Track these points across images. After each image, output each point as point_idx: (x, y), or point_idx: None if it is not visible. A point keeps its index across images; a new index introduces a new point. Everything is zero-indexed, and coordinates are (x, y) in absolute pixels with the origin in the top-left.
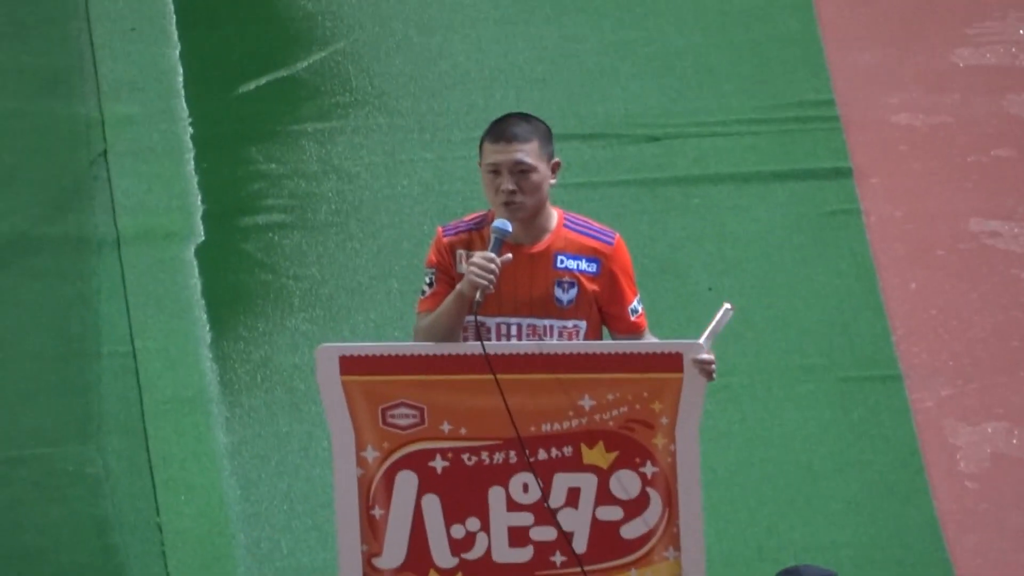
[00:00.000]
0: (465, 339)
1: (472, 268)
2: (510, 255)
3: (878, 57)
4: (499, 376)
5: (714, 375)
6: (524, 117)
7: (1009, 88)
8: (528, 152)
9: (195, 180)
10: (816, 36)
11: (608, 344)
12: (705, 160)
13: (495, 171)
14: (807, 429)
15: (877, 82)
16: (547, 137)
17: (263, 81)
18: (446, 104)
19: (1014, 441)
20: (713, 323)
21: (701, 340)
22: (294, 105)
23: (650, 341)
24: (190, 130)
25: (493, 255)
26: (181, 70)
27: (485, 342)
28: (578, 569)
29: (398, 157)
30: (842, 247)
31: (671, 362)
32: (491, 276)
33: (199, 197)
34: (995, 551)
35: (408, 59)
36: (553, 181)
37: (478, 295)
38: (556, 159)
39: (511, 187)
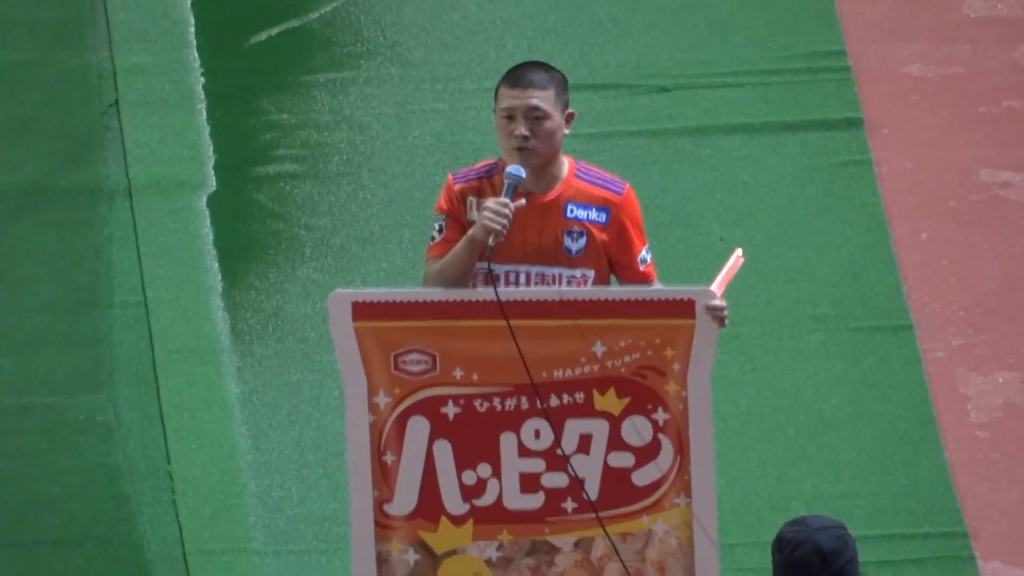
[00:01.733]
0: (474, 286)
1: (486, 212)
2: (523, 200)
3: (889, 8)
4: (511, 322)
5: (726, 321)
6: (542, 65)
7: (1021, 39)
8: (544, 99)
9: (207, 130)
10: None
11: (620, 290)
12: (716, 111)
13: (510, 116)
14: (818, 379)
15: (888, 33)
16: (563, 87)
17: (275, 31)
18: (458, 54)
19: None
20: (724, 270)
21: (712, 287)
22: (306, 55)
23: (662, 288)
24: (202, 80)
25: (507, 200)
26: (193, 20)
27: (498, 288)
28: (589, 515)
29: (410, 107)
30: (853, 198)
31: (683, 308)
32: (504, 221)
33: (211, 147)
34: (1005, 501)
35: (420, 9)
36: (566, 131)
37: (491, 240)
38: (571, 110)
39: (525, 132)
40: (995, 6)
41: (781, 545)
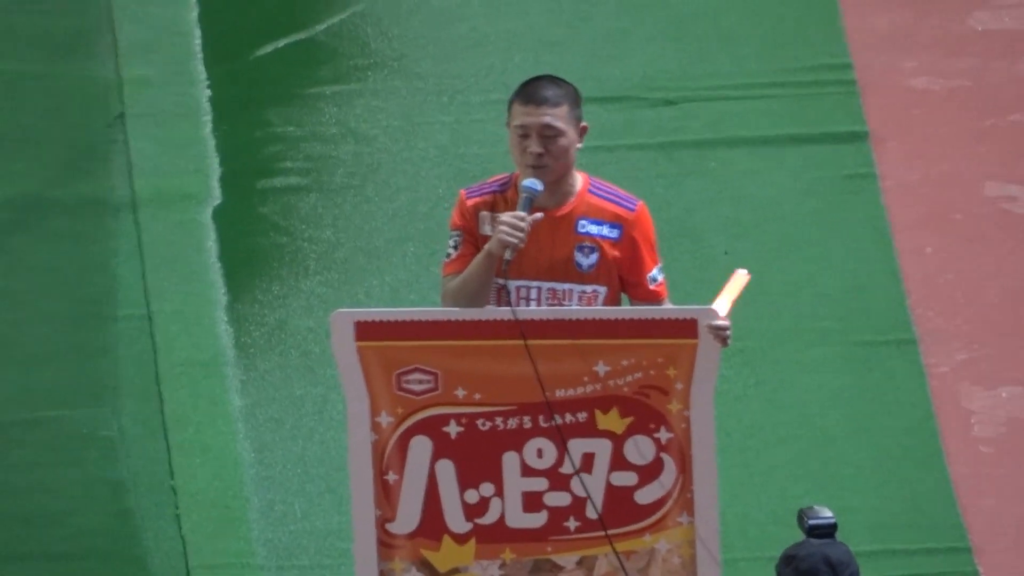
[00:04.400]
0: (488, 303)
1: (502, 227)
2: (540, 214)
3: (895, 20)
4: (513, 342)
5: (729, 341)
6: (554, 80)
7: None
8: (557, 116)
9: (212, 143)
10: None
11: (623, 310)
12: (721, 124)
13: (524, 134)
14: (822, 393)
15: (894, 46)
16: (576, 101)
17: (281, 44)
18: (464, 67)
19: None
20: (727, 288)
21: (716, 306)
22: (311, 68)
23: (665, 307)
24: (207, 92)
25: (523, 213)
26: (199, 32)
27: (498, 307)
28: (592, 534)
29: (415, 120)
30: (858, 211)
31: (686, 328)
32: (521, 235)
33: (216, 160)
34: (1010, 516)
35: (426, 21)
36: (580, 145)
37: (507, 254)
38: (584, 123)
39: (539, 150)
40: (1002, 19)
41: (789, 559)
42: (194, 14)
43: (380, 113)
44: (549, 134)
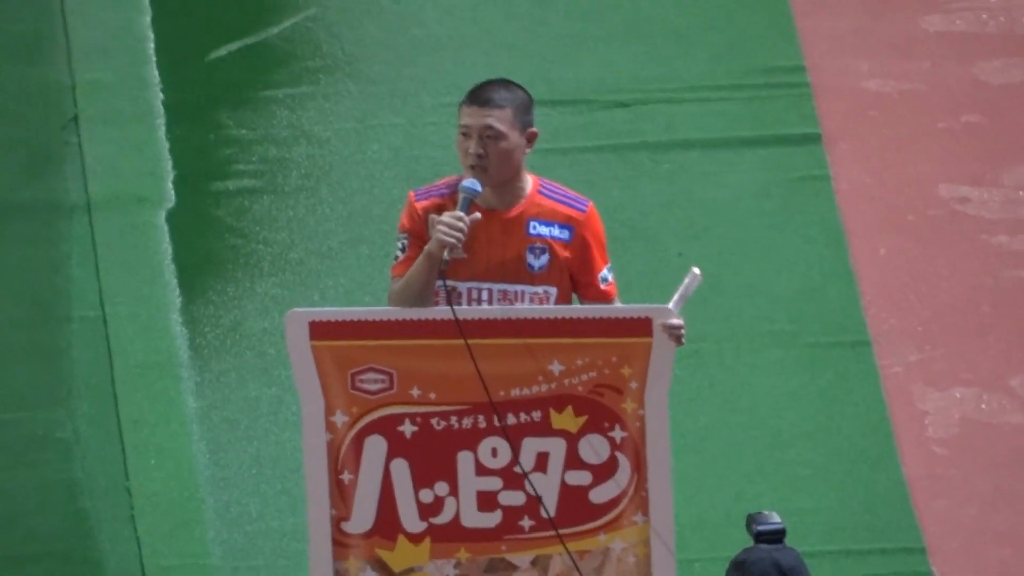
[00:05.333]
0: (436, 303)
1: (440, 227)
2: (479, 214)
3: (848, 23)
4: (469, 341)
5: (683, 340)
6: (506, 84)
7: (978, 54)
8: (500, 119)
9: (166, 146)
10: (786, 2)
11: (577, 308)
12: (675, 126)
13: (466, 134)
14: (776, 395)
15: (847, 48)
16: (525, 106)
17: (234, 47)
18: (417, 70)
19: (983, 406)
20: (681, 288)
21: (670, 305)
22: (265, 71)
23: (619, 306)
24: (161, 96)
25: (461, 214)
26: (152, 36)
27: (455, 307)
28: (547, 533)
29: (369, 122)
30: (811, 213)
31: (640, 327)
32: (459, 235)
33: (170, 162)
34: (963, 516)
35: (379, 25)
36: (528, 151)
37: (446, 254)
38: (533, 129)
39: (479, 151)
40: (953, 21)
41: (738, 565)
42: (147, 18)
43: (333, 116)
44: (490, 135)
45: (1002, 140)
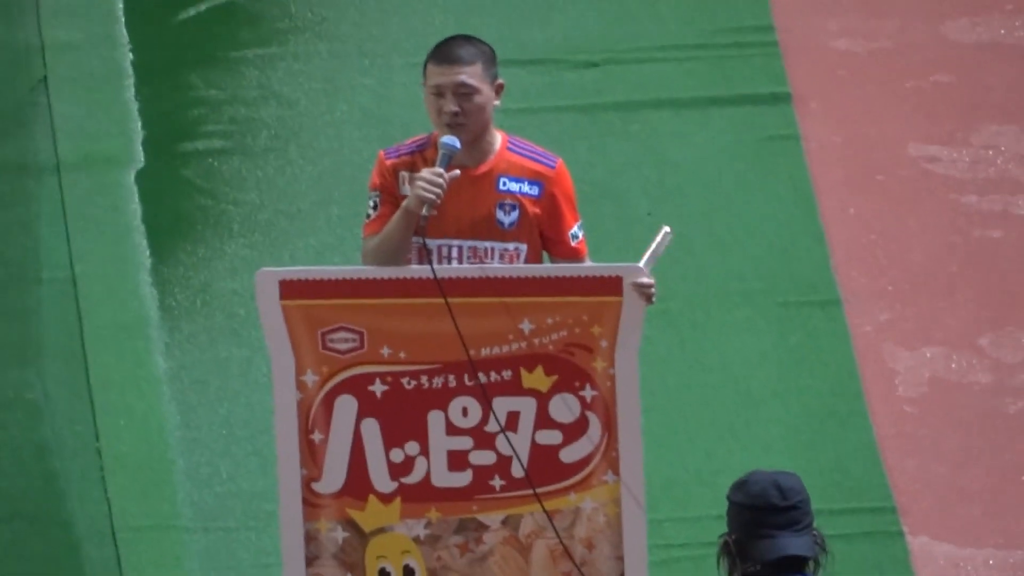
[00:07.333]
0: (409, 262)
1: (419, 182)
2: (458, 171)
3: None
4: (437, 300)
5: (654, 299)
6: (468, 39)
7: (947, 14)
8: (471, 74)
9: (135, 106)
10: None
11: (547, 267)
12: (644, 86)
13: (438, 93)
14: (746, 354)
15: (816, 7)
16: (491, 59)
17: (203, 7)
18: (386, 29)
19: (952, 365)
20: (652, 246)
21: (641, 263)
22: (234, 31)
23: (590, 264)
24: (130, 56)
25: (441, 170)
26: None
27: (422, 266)
28: (518, 492)
29: (338, 83)
30: (781, 172)
31: (610, 285)
32: (438, 190)
33: (139, 123)
34: (933, 475)
35: None
36: (497, 103)
37: (425, 210)
38: (500, 80)
39: (454, 108)
40: None
41: (740, 484)
42: None
43: (302, 76)
44: (464, 91)
45: (971, 99)
